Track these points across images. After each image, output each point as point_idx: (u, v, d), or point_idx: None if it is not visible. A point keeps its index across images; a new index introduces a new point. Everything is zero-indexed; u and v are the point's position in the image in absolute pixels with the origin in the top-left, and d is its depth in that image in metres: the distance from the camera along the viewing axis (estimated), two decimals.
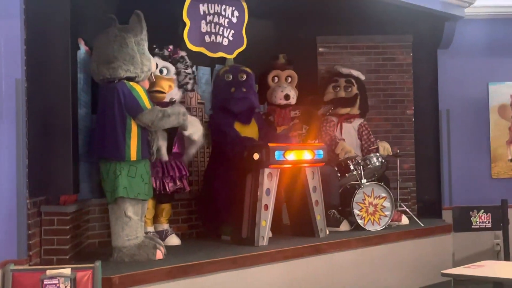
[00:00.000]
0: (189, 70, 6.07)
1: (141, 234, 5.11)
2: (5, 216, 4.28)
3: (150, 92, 5.55)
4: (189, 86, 6.14)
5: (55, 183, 4.68)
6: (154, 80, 5.66)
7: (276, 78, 7.00)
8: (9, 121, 4.33)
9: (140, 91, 5.14)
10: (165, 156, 5.47)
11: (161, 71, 5.87)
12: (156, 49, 5.82)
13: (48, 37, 4.64)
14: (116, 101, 4.99)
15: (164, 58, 5.89)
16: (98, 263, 4.11)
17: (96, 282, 4.05)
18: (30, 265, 4.43)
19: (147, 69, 5.26)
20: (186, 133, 5.63)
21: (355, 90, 7.32)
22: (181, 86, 6.05)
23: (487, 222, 6.62)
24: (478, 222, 6.65)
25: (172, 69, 5.95)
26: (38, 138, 4.59)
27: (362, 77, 7.48)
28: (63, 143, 4.70)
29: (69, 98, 4.73)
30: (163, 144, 5.44)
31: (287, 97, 6.86)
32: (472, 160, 7.97)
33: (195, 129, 5.67)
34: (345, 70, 7.42)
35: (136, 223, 5.04)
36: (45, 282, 3.90)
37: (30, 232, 4.49)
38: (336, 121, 7.24)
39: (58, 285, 3.90)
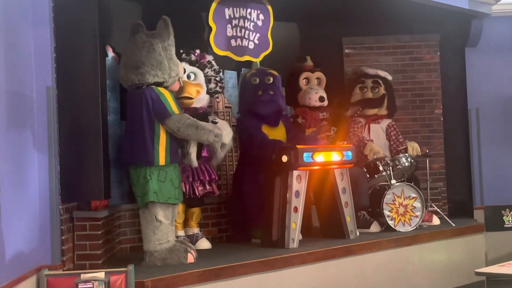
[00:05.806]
0: (216, 75, 6.08)
1: (172, 238, 5.13)
2: (39, 222, 4.36)
3: (178, 99, 5.54)
4: (217, 91, 6.16)
5: (87, 189, 4.73)
6: (182, 85, 5.67)
7: (305, 80, 6.99)
8: (41, 128, 4.41)
9: (168, 96, 5.16)
10: (194, 163, 5.43)
11: (188, 77, 5.87)
12: (184, 54, 5.83)
13: (77, 44, 4.70)
14: (144, 106, 5.02)
15: (191, 63, 5.90)
16: (131, 267, 4.15)
17: (129, 286, 4.09)
18: (64, 270, 4.48)
19: (175, 74, 5.28)
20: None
21: (382, 90, 7.28)
22: (209, 91, 6.06)
23: None
24: (510, 221, 6.56)
25: (200, 74, 5.96)
26: (69, 144, 4.63)
27: (389, 77, 7.44)
28: (93, 149, 4.75)
29: (98, 104, 4.78)
30: (193, 150, 5.44)
31: (321, 99, 6.83)
32: (503, 158, 7.87)
33: (225, 133, 5.53)
34: (371, 71, 7.39)
35: (167, 227, 5.06)
36: (79, 286, 3.95)
37: (63, 237, 4.55)
38: (364, 122, 7.20)
39: None
